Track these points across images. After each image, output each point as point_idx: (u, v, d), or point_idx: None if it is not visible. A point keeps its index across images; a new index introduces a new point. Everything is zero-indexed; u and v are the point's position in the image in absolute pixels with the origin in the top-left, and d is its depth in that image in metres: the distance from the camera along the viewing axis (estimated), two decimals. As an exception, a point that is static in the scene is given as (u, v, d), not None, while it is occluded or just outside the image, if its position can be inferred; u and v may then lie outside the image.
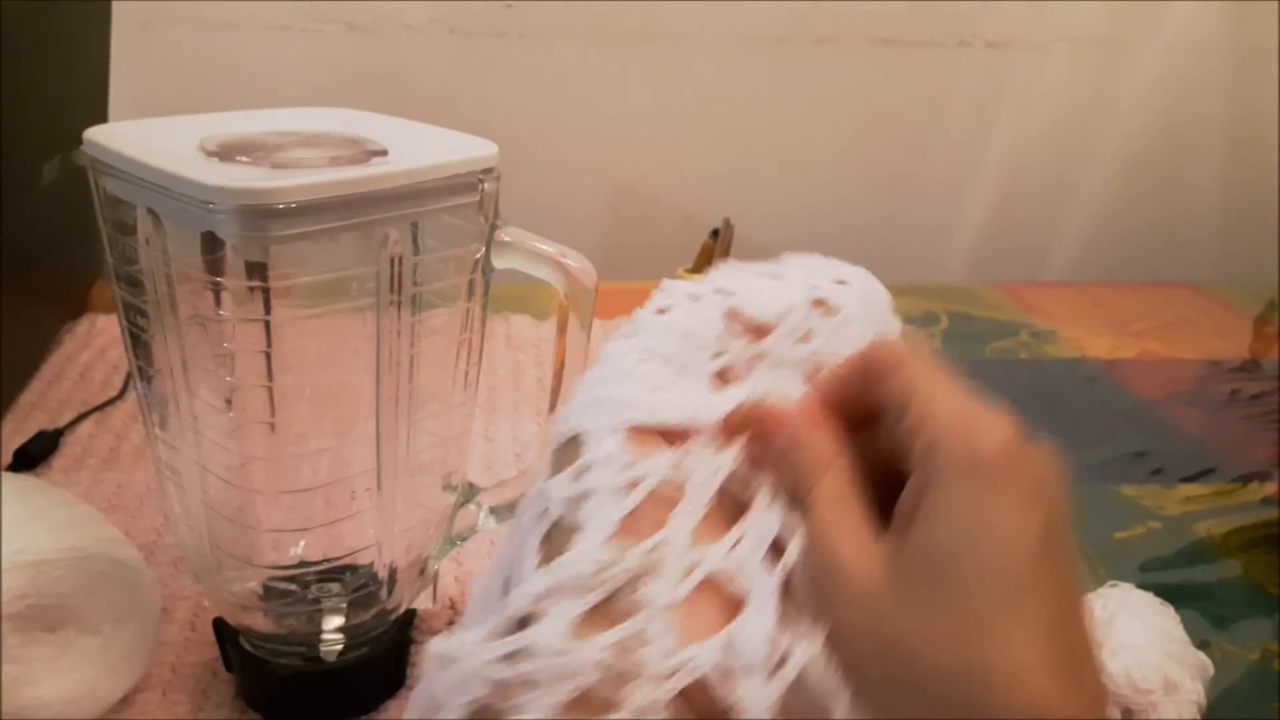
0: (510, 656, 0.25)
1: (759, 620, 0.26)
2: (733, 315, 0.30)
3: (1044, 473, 0.25)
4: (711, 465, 0.28)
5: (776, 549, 0.27)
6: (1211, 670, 0.48)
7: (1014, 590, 0.23)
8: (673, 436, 0.28)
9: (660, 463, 0.27)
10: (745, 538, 0.27)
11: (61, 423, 0.66)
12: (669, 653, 0.25)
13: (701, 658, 0.25)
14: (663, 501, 0.27)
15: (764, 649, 0.25)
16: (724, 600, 0.26)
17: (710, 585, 0.26)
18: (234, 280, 0.37)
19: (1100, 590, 0.52)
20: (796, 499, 0.27)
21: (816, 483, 0.27)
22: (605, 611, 0.25)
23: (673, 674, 0.25)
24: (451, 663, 0.26)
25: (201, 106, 0.44)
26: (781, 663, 0.25)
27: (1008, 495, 0.24)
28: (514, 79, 1.01)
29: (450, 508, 0.48)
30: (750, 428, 0.28)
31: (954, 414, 0.26)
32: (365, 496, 0.43)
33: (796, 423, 0.28)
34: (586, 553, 0.26)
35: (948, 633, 0.23)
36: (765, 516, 0.27)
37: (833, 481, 0.27)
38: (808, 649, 0.25)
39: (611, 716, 0.24)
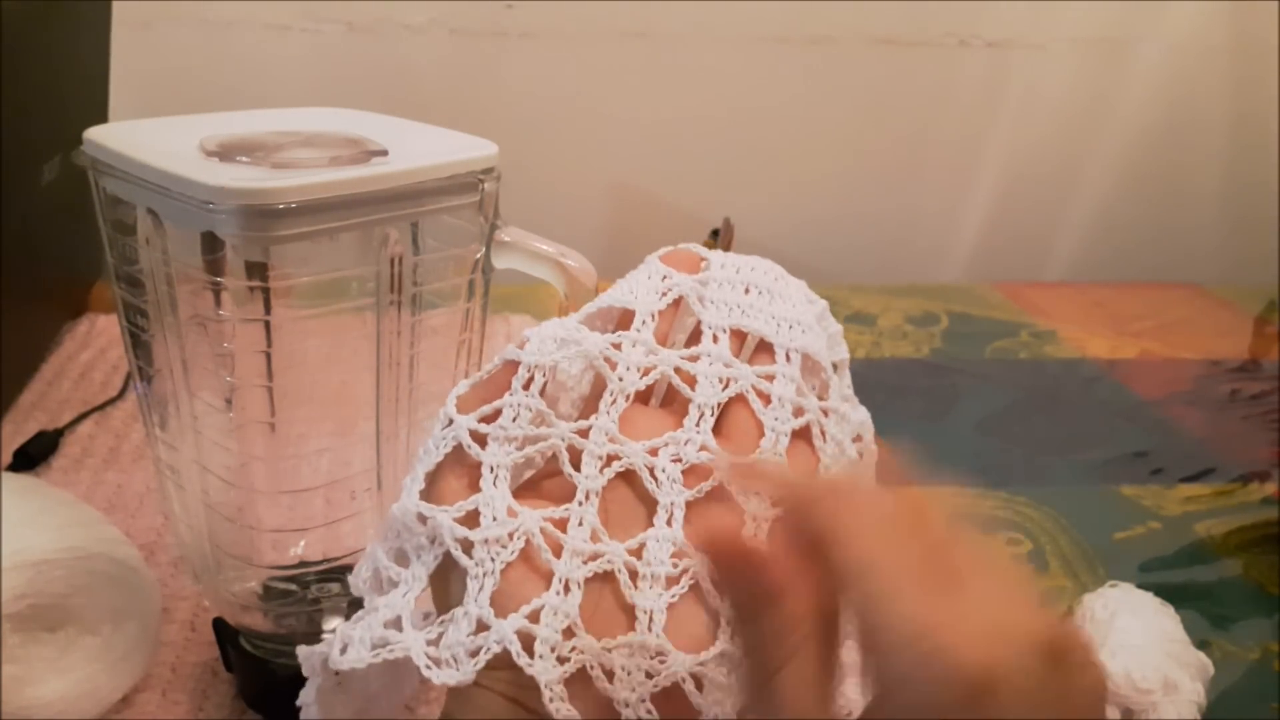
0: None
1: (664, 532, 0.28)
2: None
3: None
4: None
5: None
6: (1211, 670, 0.48)
7: None
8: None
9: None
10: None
11: (61, 423, 0.66)
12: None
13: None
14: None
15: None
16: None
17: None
18: (234, 280, 0.37)
19: (1100, 590, 0.52)
20: (764, 667, 0.25)
21: (787, 661, 0.25)
22: None
23: None
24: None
25: (201, 106, 0.44)
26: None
27: None
28: (514, 79, 1.01)
29: (450, 508, 0.47)
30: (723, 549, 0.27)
31: (908, 632, 0.22)
32: (365, 496, 0.43)
33: (775, 575, 0.25)
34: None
35: None
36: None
37: (804, 663, 0.25)
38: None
39: None
